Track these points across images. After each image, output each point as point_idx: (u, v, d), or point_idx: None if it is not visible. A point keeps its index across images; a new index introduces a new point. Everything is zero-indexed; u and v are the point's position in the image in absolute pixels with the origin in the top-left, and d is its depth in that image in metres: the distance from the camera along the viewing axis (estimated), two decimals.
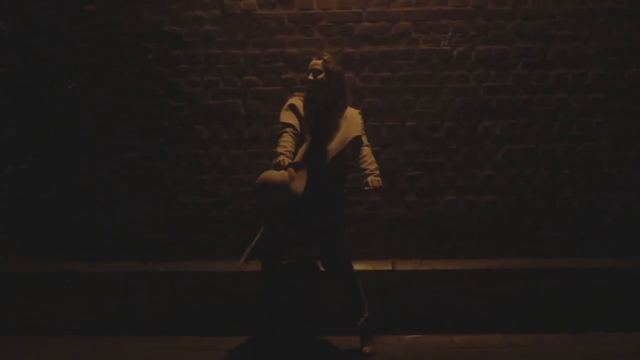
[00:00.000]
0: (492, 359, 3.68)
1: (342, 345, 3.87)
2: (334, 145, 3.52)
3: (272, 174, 3.29)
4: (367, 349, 3.69)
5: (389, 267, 4.06)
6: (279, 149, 3.42)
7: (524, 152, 4.10)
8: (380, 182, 3.49)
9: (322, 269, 3.75)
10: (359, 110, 3.69)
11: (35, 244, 4.20)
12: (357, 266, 3.96)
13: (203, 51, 4.06)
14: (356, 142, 3.60)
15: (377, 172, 3.54)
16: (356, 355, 3.70)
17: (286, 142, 3.45)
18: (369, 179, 3.49)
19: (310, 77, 3.49)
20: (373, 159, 3.59)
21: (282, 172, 3.31)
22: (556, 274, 4.02)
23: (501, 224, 4.14)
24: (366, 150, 3.61)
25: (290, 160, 3.38)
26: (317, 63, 3.50)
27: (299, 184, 3.34)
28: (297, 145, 3.50)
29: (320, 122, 3.53)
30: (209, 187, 4.16)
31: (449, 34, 4.03)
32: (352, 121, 3.60)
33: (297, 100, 3.58)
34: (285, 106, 3.59)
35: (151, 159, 4.15)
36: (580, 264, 4.05)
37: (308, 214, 3.51)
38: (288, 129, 3.49)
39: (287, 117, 3.53)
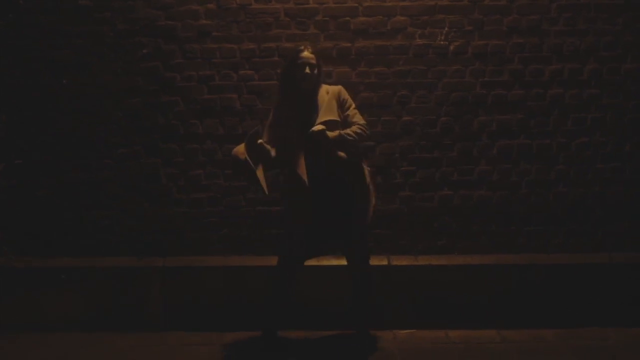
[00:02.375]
0: (487, 354, 3.71)
1: (336, 340, 3.88)
2: (321, 119, 3.49)
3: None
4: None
5: (385, 263, 4.07)
6: None
7: (519, 147, 4.11)
8: (319, 128, 3.40)
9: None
10: (340, 87, 3.63)
11: (29, 240, 4.17)
12: None
13: (198, 46, 4.03)
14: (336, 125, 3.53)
15: (348, 132, 3.49)
16: (351, 351, 3.72)
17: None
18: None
19: (307, 70, 3.46)
20: (355, 128, 3.53)
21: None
22: (550, 269, 4.05)
23: (496, 219, 4.15)
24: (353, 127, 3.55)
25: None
26: (312, 57, 3.49)
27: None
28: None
29: (307, 107, 3.52)
30: (203, 182, 4.14)
31: (445, 29, 4.01)
32: (331, 100, 3.56)
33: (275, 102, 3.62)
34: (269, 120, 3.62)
35: (145, 154, 4.12)
36: (574, 259, 4.08)
37: (325, 208, 3.51)
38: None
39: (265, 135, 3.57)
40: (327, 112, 3.50)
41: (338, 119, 3.52)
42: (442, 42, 4.03)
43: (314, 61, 3.49)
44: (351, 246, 3.60)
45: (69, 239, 4.16)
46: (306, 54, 3.48)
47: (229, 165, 4.11)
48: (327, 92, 3.56)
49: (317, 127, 3.41)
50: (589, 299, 4.03)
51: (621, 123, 4.08)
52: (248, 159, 3.39)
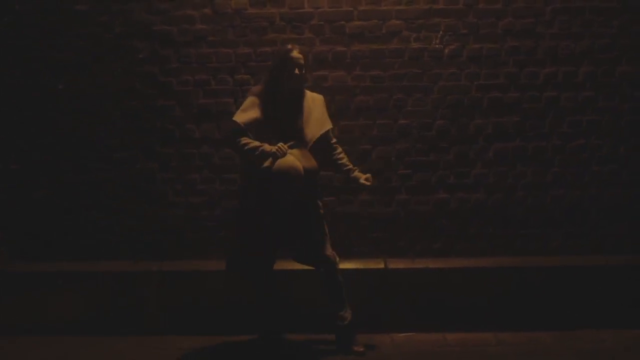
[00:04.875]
0: (485, 357, 3.70)
1: (330, 344, 3.87)
2: (312, 130, 3.54)
3: (289, 161, 3.35)
4: (357, 348, 3.69)
5: (381, 266, 4.07)
6: (256, 144, 3.42)
7: (515, 150, 4.11)
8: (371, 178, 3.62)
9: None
10: (322, 96, 3.69)
11: (26, 243, 4.19)
12: (349, 265, 3.99)
13: (194, 50, 4.05)
14: (328, 135, 3.64)
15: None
16: (346, 355, 3.71)
17: (251, 139, 3.45)
18: (362, 177, 3.59)
19: (297, 71, 3.47)
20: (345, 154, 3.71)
21: (290, 157, 3.38)
22: (547, 271, 4.05)
23: (492, 221, 4.15)
24: (339, 147, 3.69)
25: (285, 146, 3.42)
26: (301, 57, 3.50)
27: (310, 161, 3.44)
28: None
29: (291, 111, 3.53)
30: (200, 187, 4.15)
31: (440, 32, 4.03)
32: (321, 109, 3.62)
33: (255, 99, 3.53)
34: (243, 103, 3.55)
35: (142, 158, 4.14)
36: (570, 261, 4.08)
37: (291, 212, 3.54)
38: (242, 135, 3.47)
39: (243, 117, 3.49)
40: (324, 123, 3.58)
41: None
42: (437, 46, 4.05)
43: (302, 61, 3.50)
44: (316, 247, 3.61)
45: (66, 242, 4.17)
46: (296, 54, 3.48)
47: (225, 170, 4.13)
48: (313, 100, 3.60)
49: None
50: (586, 301, 4.02)
51: (617, 125, 4.09)
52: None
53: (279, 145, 3.39)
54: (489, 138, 4.11)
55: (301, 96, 3.57)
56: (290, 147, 3.43)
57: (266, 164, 3.37)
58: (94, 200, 4.17)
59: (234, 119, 3.50)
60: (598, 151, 4.11)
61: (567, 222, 4.15)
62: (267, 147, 3.40)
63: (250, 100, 3.52)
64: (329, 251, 3.64)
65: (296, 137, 3.49)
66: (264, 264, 3.68)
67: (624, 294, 4.02)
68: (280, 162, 3.35)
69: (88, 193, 4.16)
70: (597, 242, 4.15)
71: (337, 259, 3.66)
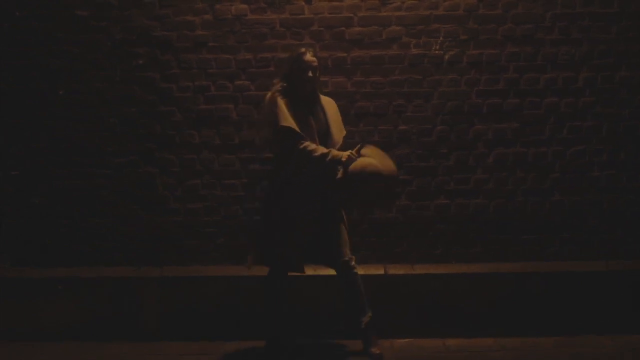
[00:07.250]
0: None
1: (342, 348, 3.87)
2: (337, 132, 3.61)
3: (366, 161, 3.43)
4: (374, 349, 3.68)
5: (381, 272, 4.07)
6: (323, 149, 3.46)
7: (515, 155, 4.12)
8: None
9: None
10: (332, 100, 3.75)
11: (25, 249, 4.17)
12: None
13: (194, 56, 4.05)
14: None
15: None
16: (361, 358, 3.70)
17: (311, 142, 3.47)
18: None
19: (310, 74, 3.48)
20: None
21: (364, 158, 3.46)
22: (547, 277, 4.05)
23: (492, 227, 4.15)
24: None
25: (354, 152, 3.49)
26: (314, 60, 3.52)
27: (387, 161, 3.51)
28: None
29: (315, 112, 3.57)
30: (200, 192, 4.15)
31: (440, 38, 4.04)
32: (336, 111, 3.69)
33: (282, 103, 3.50)
34: (277, 108, 3.47)
35: (142, 164, 4.13)
36: (570, 267, 4.08)
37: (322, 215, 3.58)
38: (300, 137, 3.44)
39: (289, 119, 3.44)
40: (342, 127, 3.66)
41: None
42: (437, 52, 4.05)
43: (316, 64, 3.51)
44: (340, 250, 3.63)
45: (65, 248, 4.16)
46: (309, 57, 3.49)
47: (225, 175, 4.13)
48: (328, 103, 3.66)
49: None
50: (587, 307, 4.02)
51: (616, 131, 4.10)
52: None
53: (349, 153, 3.45)
54: (489, 144, 4.12)
55: (318, 98, 3.61)
56: (359, 151, 3.50)
57: (339, 175, 3.43)
58: (94, 205, 4.16)
59: (283, 124, 3.41)
60: (598, 157, 4.11)
61: (566, 228, 4.15)
62: (335, 152, 3.46)
63: (279, 104, 3.46)
64: (351, 254, 3.66)
65: (324, 138, 3.54)
66: (288, 267, 3.67)
67: (624, 299, 4.02)
68: (357, 164, 3.42)
69: (89, 198, 4.15)
70: (597, 247, 4.15)
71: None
